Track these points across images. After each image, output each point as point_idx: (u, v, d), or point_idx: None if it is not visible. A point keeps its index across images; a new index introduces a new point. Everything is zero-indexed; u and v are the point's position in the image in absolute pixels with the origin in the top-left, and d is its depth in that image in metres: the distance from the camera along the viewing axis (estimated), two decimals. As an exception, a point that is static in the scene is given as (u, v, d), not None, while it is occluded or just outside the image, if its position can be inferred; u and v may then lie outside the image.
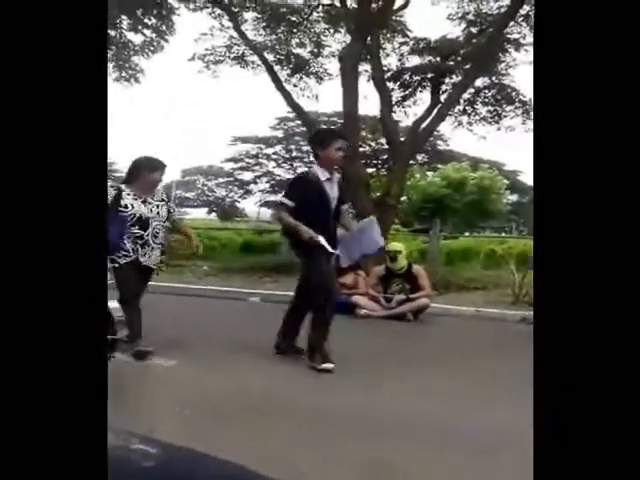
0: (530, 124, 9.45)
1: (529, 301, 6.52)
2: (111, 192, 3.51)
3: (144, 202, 3.68)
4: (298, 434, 2.40)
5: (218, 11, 9.72)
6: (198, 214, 40.77)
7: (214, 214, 39.52)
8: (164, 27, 10.05)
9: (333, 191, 3.73)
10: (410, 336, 5.12)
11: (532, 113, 9.30)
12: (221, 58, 10.41)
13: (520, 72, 9.63)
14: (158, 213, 3.73)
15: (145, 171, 3.70)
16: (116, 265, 3.54)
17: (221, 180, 37.80)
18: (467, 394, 3.08)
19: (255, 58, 9.92)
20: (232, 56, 10.36)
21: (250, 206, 37.92)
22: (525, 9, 8.48)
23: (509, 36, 8.80)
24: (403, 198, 14.48)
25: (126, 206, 3.59)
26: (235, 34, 9.72)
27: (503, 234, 20.22)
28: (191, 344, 3.95)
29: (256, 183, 34.46)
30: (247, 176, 34.87)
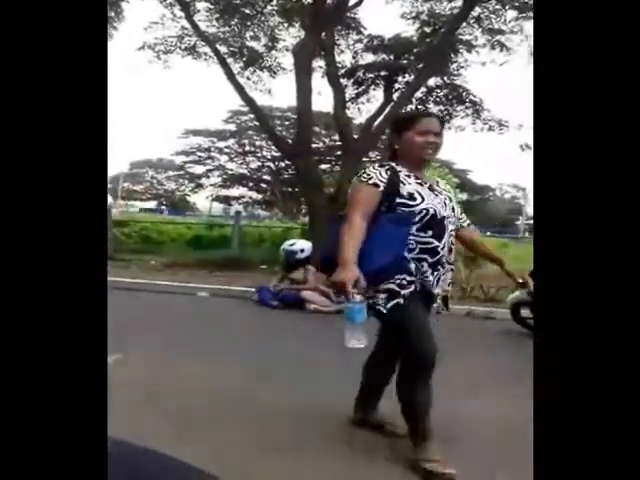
0: (479, 124, 9.73)
1: (477, 296, 6.76)
2: (381, 174, 2.08)
3: (431, 189, 2.20)
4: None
5: (169, 0, 9.42)
6: (147, 207, 39.72)
7: (164, 207, 38.57)
8: (112, 14, 9.64)
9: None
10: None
11: (482, 113, 9.60)
12: (172, 48, 10.11)
13: (471, 73, 9.91)
14: (453, 209, 2.28)
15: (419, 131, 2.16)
16: (400, 301, 2.04)
17: (171, 173, 36.93)
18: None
19: (207, 49, 9.68)
20: (184, 47, 10.09)
21: (201, 200, 37.24)
22: (477, 11, 8.71)
23: (461, 37, 9.02)
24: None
25: (411, 196, 2.10)
26: (187, 24, 9.44)
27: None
28: (136, 339, 3.84)
29: (208, 177, 33.86)
30: (198, 170, 34.21)
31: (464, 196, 26.74)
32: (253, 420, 2.53)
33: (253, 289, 6.43)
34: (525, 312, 5.11)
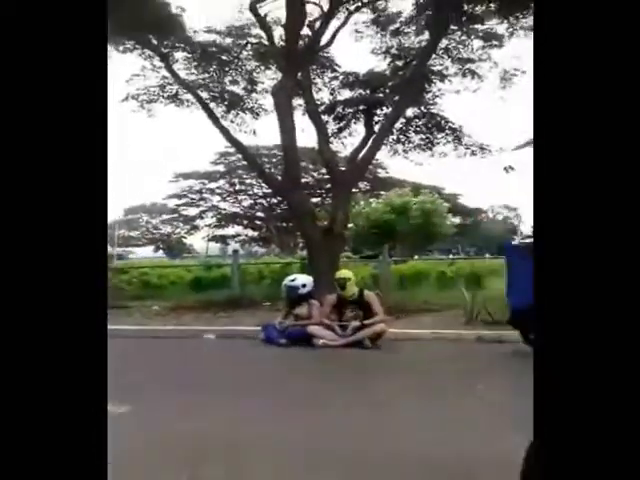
0: (462, 149, 9.99)
1: (482, 319, 6.74)
2: None
3: None
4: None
5: (148, 52, 9.72)
6: (144, 253, 39.66)
7: (161, 252, 38.53)
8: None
9: None
10: (376, 363, 5.13)
11: (463, 139, 9.86)
12: (155, 97, 10.38)
13: (447, 101, 10.21)
14: None
15: None
16: None
17: (165, 217, 37.11)
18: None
19: (189, 96, 9.97)
20: (166, 95, 10.37)
21: (198, 241, 37.30)
22: (444, 43, 9.09)
23: (433, 68, 9.36)
24: (350, 225, 14.72)
25: None
26: (167, 74, 9.75)
27: (450, 256, 20.91)
28: (146, 388, 3.83)
29: (202, 218, 34.06)
30: (192, 211, 34.43)
31: (457, 220, 27.01)
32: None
33: (259, 327, 6.44)
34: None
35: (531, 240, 4.41)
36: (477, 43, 9.19)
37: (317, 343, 5.80)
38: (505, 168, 9.41)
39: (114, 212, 35.85)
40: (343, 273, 6.33)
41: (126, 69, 10.51)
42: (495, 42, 9.00)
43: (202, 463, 2.48)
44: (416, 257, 16.63)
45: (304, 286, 6.37)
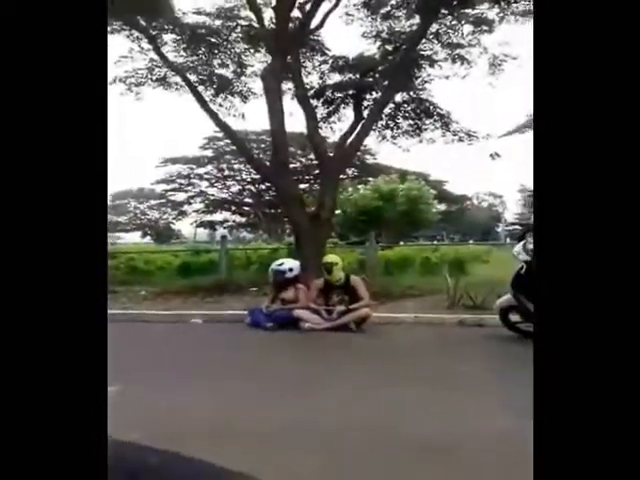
0: (449, 136, 10.00)
1: (464, 304, 6.86)
2: None
3: None
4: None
5: (136, 33, 9.57)
6: (132, 238, 39.38)
7: (149, 237, 38.25)
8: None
9: None
10: (360, 346, 5.25)
11: (451, 125, 9.87)
12: (143, 80, 10.23)
13: (436, 87, 10.17)
14: None
15: None
16: None
17: (153, 202, 36.77)
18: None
19: (178, 79, 9.85)
20: (154, 78, 10.22)
21: (186, 227, 37.07)
22: (435, 27, 9.04)
23: (423, 53, 9.31)
24: (337, 212, 14.73)
25: None
26: (155, 56, 9.61)
27: (435, 242, 21.04)
28: (133, 369, 3.87)
29: (190, 204, 33.79)
30: (180, 197, 34.13)
31: (442, 206, 27.14)
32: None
33: (245, 312, 6.49)
34: (514, 317, 5.15)
35: (514, 227, 4.48)
36: (467, 28, 9.13)
37: (303, 327, 5.88)
38: (491, 155, 9.48)
39: (101, 197, 35.42)
40: (330, 258, 6.39)
41: (114, 51, 10.31)
42: (485, 27, 8.93)
43: (183, 438, 2.53)
44: (402, 243, 16.73)
45: (291, 270, 6.43)
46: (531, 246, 4.72)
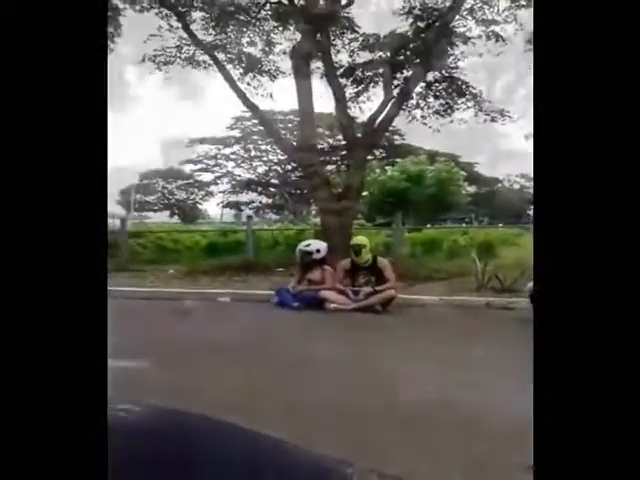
0: (481, 116, 9.74)
1: (492, 287, 6.77)
2: None
3: None
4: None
5: (165, 11, 9.56)
6: (160, 218, 40.09)
7: (176, 217, 38.88)
8: (111, 29, 9.80)
9: None
10: (382, 326, 5.28)
11: (483, 105, 9.61)
12: (172, 59, 10.25)
13: (469, 65, 9.87)
14: None
15: None
16: None
17: (181, 182, 37.23)
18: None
19: (206, 58, 9.83)
20: (183, 56, 10.23)
21: (212, 207, 37.49)
22: (469, 3, 8.74)
23: (456, 29, 9.02)
24: (364, 193, 14.62)
25: None
26: (184, 34, 9.60)
27: (464, 225, 20.71)
28: (161, 345, 3.94)
29: (217, 184, 34.10)
30: (207, 177, 34.46)
31: (472, 189, 26.65)
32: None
33: (272, 291, 6.54)
34: None
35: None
36: (503, 3, 8.80)
37: (329, 307, 5.89)
38: (525, 135, 9.21)
39: (131, 177, 36.02)
40: (359, 240, 6.37)
41: (143, 29, 10.32)
42: (522, 2, 8.58)
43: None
44: (429, 226, 16.54)
45: (318, 251, 6.42)
46: None
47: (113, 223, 11.74)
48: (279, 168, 29.02)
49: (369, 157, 11.10)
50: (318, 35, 8.52)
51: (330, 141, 21.97)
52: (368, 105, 9.84)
